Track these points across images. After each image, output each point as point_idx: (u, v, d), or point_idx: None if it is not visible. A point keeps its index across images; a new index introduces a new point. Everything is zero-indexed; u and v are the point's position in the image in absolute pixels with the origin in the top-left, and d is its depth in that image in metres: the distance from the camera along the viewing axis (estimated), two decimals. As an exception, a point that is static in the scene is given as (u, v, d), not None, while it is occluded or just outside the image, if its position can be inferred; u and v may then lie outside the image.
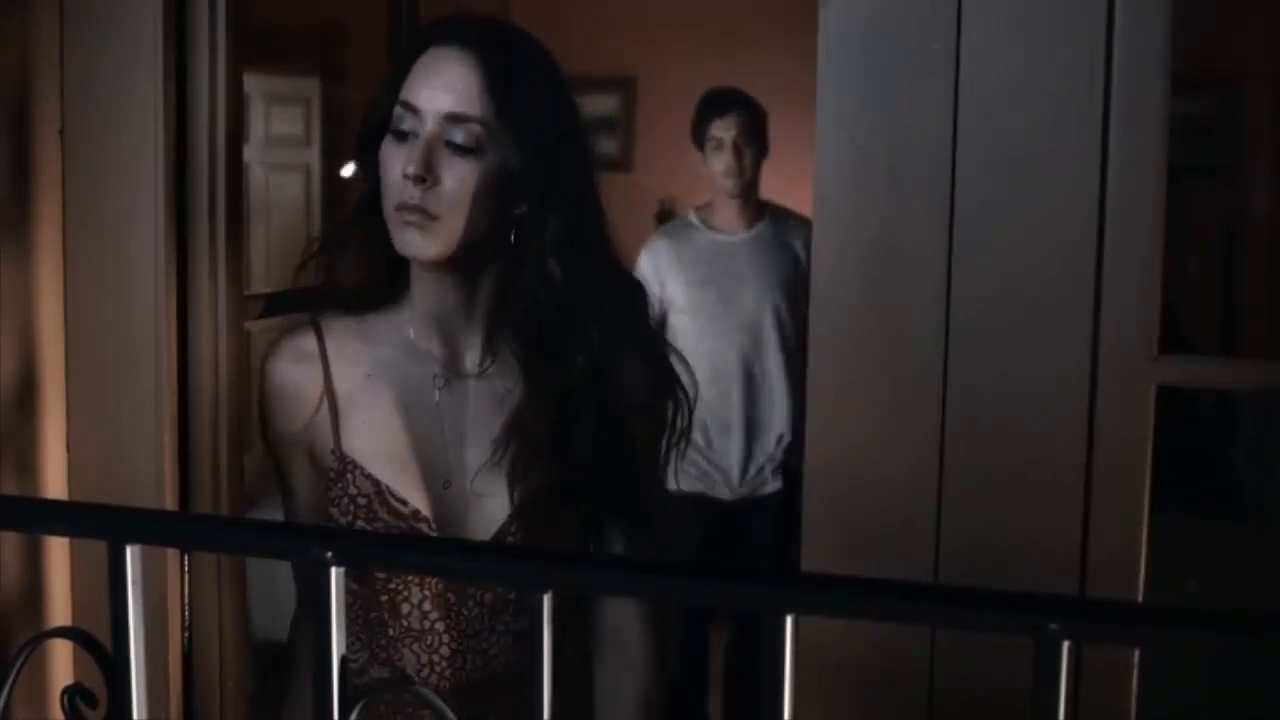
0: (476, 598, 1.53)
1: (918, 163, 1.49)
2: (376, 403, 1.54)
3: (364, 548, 1.03)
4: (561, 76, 1.53)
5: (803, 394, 3.50)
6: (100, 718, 0.96)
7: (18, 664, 0.97)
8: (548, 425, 1.50)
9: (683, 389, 1.59)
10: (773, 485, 3.53)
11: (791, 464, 3.48)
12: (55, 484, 1.83)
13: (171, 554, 1.75)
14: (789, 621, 0.82)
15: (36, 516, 1.16)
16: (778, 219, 3.58)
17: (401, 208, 1.45)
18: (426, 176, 1.43)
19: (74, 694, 0.99)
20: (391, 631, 1.53)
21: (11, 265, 1.75)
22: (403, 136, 1.46)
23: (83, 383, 1.84)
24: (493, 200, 1.47)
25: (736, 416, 3.51)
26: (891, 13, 1.49)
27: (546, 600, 0.86)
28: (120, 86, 1.80)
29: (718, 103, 3.56)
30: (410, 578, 1.52)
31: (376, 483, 1.51)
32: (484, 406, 1.55)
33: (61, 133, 1.82)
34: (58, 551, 1.83)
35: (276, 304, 2.19)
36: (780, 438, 3.52)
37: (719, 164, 3.50)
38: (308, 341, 1.56)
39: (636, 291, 1.60)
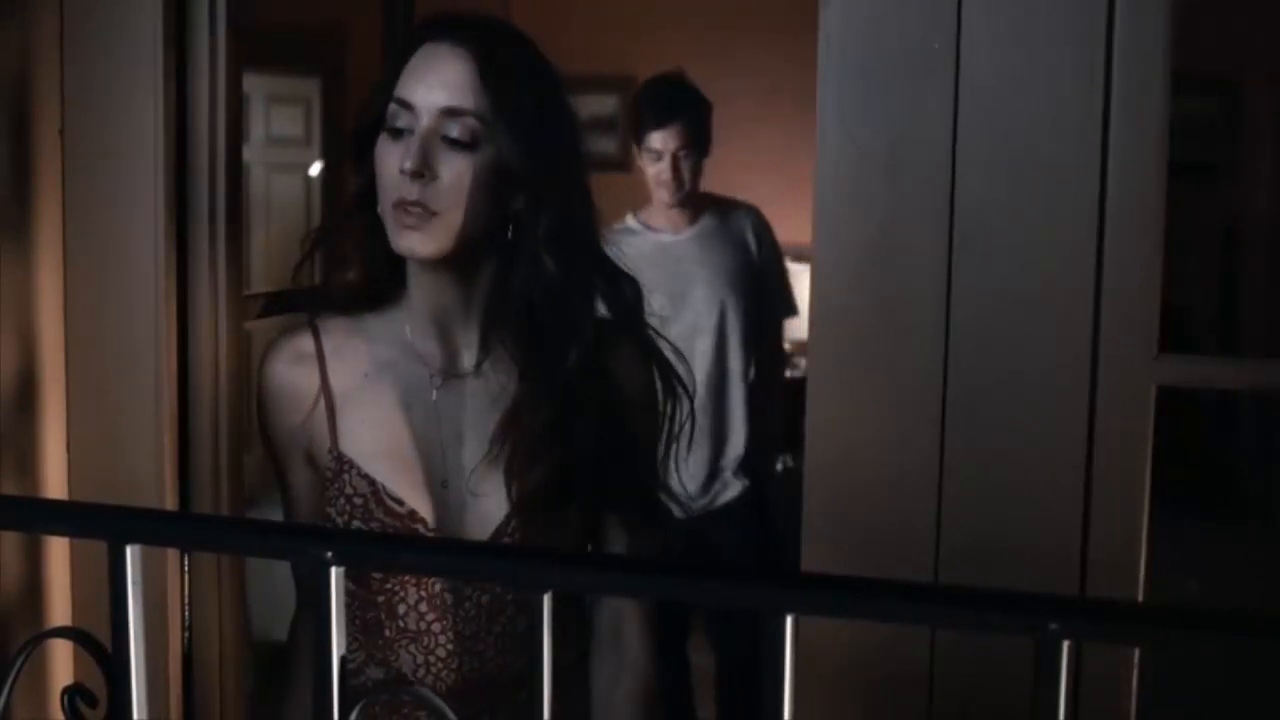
0: (473, 599, 1.53)
1: (918, 162, 1.49)
2: (374, 402, 1.54)
3: (363, 548, 1.03)
4: (553, 71, 1.54)
5: (763, 390, 3.28)
6: (100, 718, 0.96)
7: (18, 664, 0.97)
8: (544, 422, 1.50)
9: (680, 384, 1.59)
10: (734, 490, 3.30)
11: (750, 464, 3.31)
12: (55, 484, 1.83)
13: (171, 554, 1.76)
14: (789, 621, 0.82)
15: (36, 516, 1.16)
16: (722, 211, 3.38)
17: (399, 205, 1.45)
18: (424, 171, 1.44)
19: (74, 694, 0.99)
20: (388, 632, 1.53)
21: (11, 265, 1.75)
22: (398, 133, 1.46)
23: (83, 383, 1.84)
24: (489, 195, 1.47)
25: (699, 423, 3.29)
26: (891, 12, 1.49)
27: (546, 600, 0.86)
28: (120, 86, 1.80)
29: (658, 108, 3.30)
30: (407, 579, 1.52)
31: (373, 482, 1.51)
32: (481, 405, 1.55)
33: (61, 133, 1.82)
34: (58, 551, 1.83)
35: (276, 303, 2.18)
36: (744, 439, 3.30)
37: (657, 175, 3.29)
38: (305, 341, 1.57)
39: (631, 286, 1.60)
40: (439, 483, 1.53)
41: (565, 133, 1.54)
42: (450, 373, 1.55)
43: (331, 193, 4.46)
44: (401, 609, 1.52)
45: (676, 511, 3.12)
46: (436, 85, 1.45)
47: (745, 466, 3.30)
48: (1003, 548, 1.49)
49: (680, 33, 4.95)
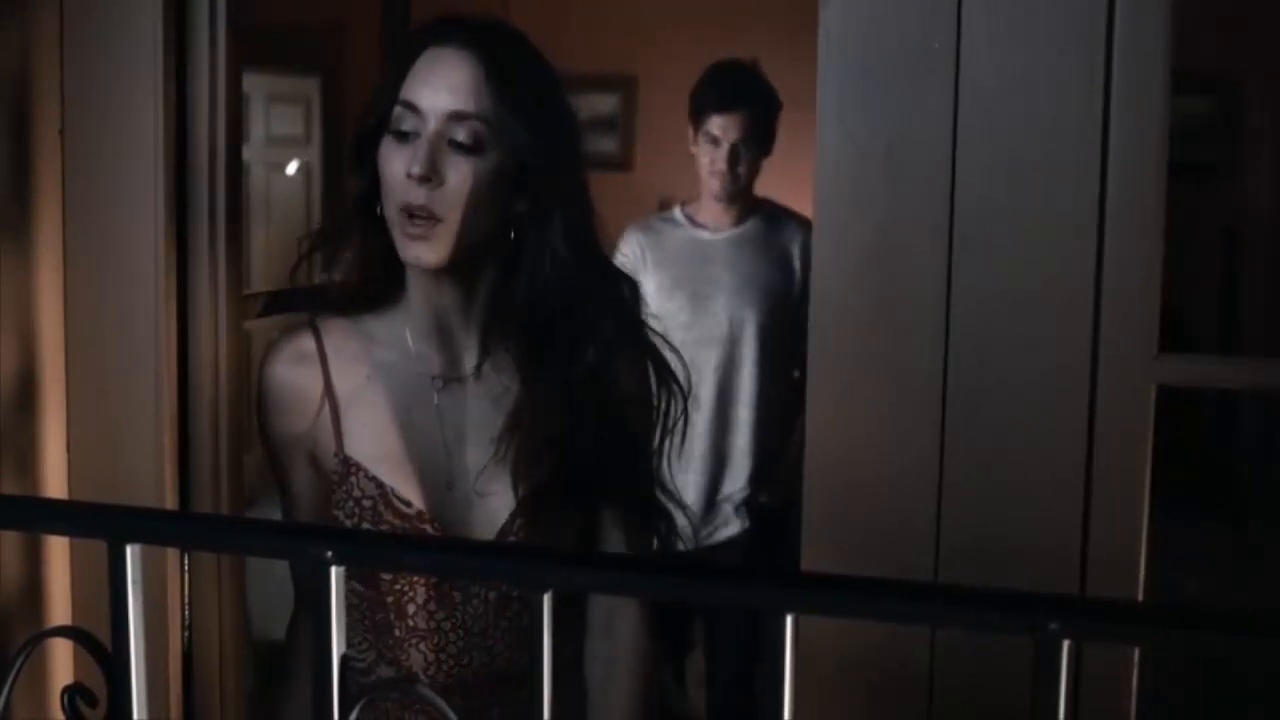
0: (481, 595, 1.53)
1: (918, 162, 1.49)
2: (376, 404, 1.55)
3: (363, 547, 1.03)
4: (555, 73, 1.54)
5: (773, 422, 3.07)
6: (100, 717, 0.96)
7: (18, 663, 0.97)
8: (548, 422, 1.51)
9: (676, 381, 1.60)
10: (734, 527, 3.06)
11: (757, 501, 3.07)
12: (55, 484, 1.83)
13: (171, 553, 1.75)
14: (789, 621, 0.82)
15: (36, 516, 1.16)
16: (771, 217, 3.11)
17: (405, 210, 1.45)
18: (431, 176, 1.44)
19: (74, 693, 0.99)
20: (398, 632, 1.53)
21: (11, 265, 1.75)
22: (403, 136, 1.46)
23: (83, 383, 1.84)
24: (493, 198, 1.47)
25: (700, 446, 3.01)
26: (891, 11, 1.49)
27: (546, 600, 0.86)
28: (120, 86, 1.80)
29: (722, 92, 3.05)
30: (414, 579, 1.52)
31: (380, 485, 1.52)
32: (483, 406, 1.55)
33: (61, 133, 1.82)
34: (58, 551, 1.83)
35: (275, 303, 2.18)
36: (748, 472, 3.06)
37: (710, 163, 3.05)
38: (306, 342, 1.57)
39: (629, 286, 1.61)
40: (444, 484, 1.53)
41: (567, 135, 1.54)
42: (451, 375, 1.56)
43: (331, 192, 4.46)
44: (411, 609, 1.53)
45: (679, 519, 3.00)
46: (443, 89, 1.46)
47: (747, 504, 3.07)
48: (1003, 548, 1.49)
49: (681, 32, 4.95)
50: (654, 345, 1.62)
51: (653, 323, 1.55)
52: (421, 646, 1.53)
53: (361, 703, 0.90)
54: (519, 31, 1.55)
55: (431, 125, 1.45)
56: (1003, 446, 1.49)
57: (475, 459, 1.54)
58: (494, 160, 1.46)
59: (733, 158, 3.03)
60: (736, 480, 3.07)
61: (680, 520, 1.66)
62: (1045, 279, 1.47)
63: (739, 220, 3.10)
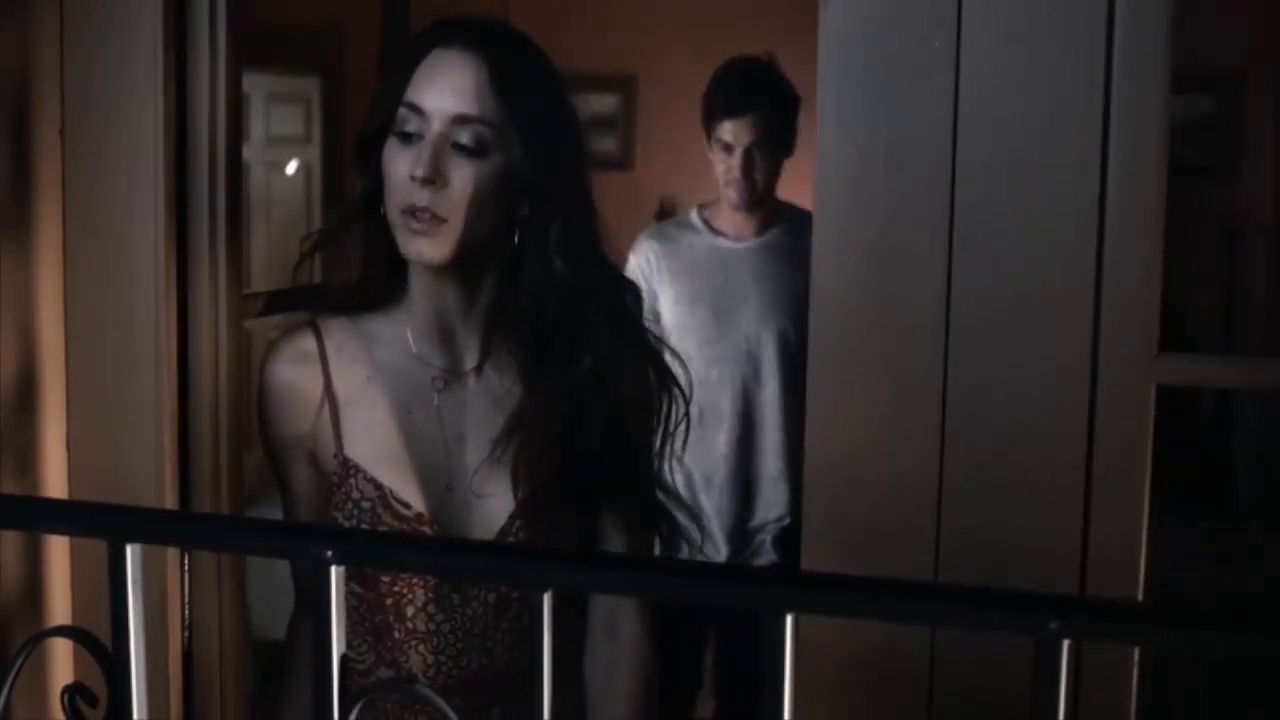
0: (480, 598, 1.53)
1: (918, 162, 1.49)
2: (377, 405, 1.55)
3: (364, 547, 1.03)
4: (558, 75, 1.54)
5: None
6: (100, 717, 0.96)
7: (18, 663, 0.97)
8: (549, 424, 1.51)
9: (677, 383, 1.60)
10: (768, 558, 2.84)
11: (793, 528, 2.72)
12: (55, 483, 1.83)
13: (171, 553, 1.75)
14: (789, 621, 0.82)
15: (36, 515, 1.16)
16: (796, 223, 2.83)
17: (409, 211, 1.45)
18: (435, 178, 1.44)
19: (74, 693, 0.99)
20: (397, 634, 1.53)
21: (11, 265, 1.75)
22: (407, 138, 1.47)
23: (83, 383, 1.84)
24: (497, 201, 1.47)
25: (724, 469, 2.83)
26: (891, 11, 1.49)
27: (546, 599, 0.86)
28: (120, 86, 1.80)
29: (734, 94, 2.83)
30: (414, 580, 1.52)
31: (379, 486, 1.52)
32: (483, 407, 1.55)
33: (61, 132, 1.81)
34: (58, 551, 1.83)
35: (276, 302, 2.18)
36: (785, 499, 2.83)
37: (725, 170, 2.85)
38: (307, 342, 1.57)
39: (631, 289, 1.62)
40: (444, 485, 1.53)
41: (571, 137, 1.55)
42: (452, 375, 1.56)
43: (331, 192, 4.46)
44: (410, 611, 1.53)
45: (683, 521, 2.81)
46: (448, 91, 1.46)
47: (786, 534, 2.80)
48: (1003, 548, 1.49)
49: (680, 32, 4.95)
50: (655, 347, 1.62)
51: (673, 337, 1.55)
52: (421, 648, 1.53)
53: (361, 703, 0.91)
54: (523, 33, 1.55)
55: (435, 127, 1.45)
56: (1003, 446, 1.49)
57: (475, 460, 1.54)
58: (497, 162, 1.46)
59: (748, 164, 2.82)
60: (771, 508, 2.86)
61: (684, 522, 1.66)
62: (1045, 279, 1.47)
63: (762, 228, 2.88)
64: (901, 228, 1.50)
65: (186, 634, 1.83)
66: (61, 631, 1.04)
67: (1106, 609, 0.90)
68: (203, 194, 1.85)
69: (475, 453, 1.54)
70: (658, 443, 1.60)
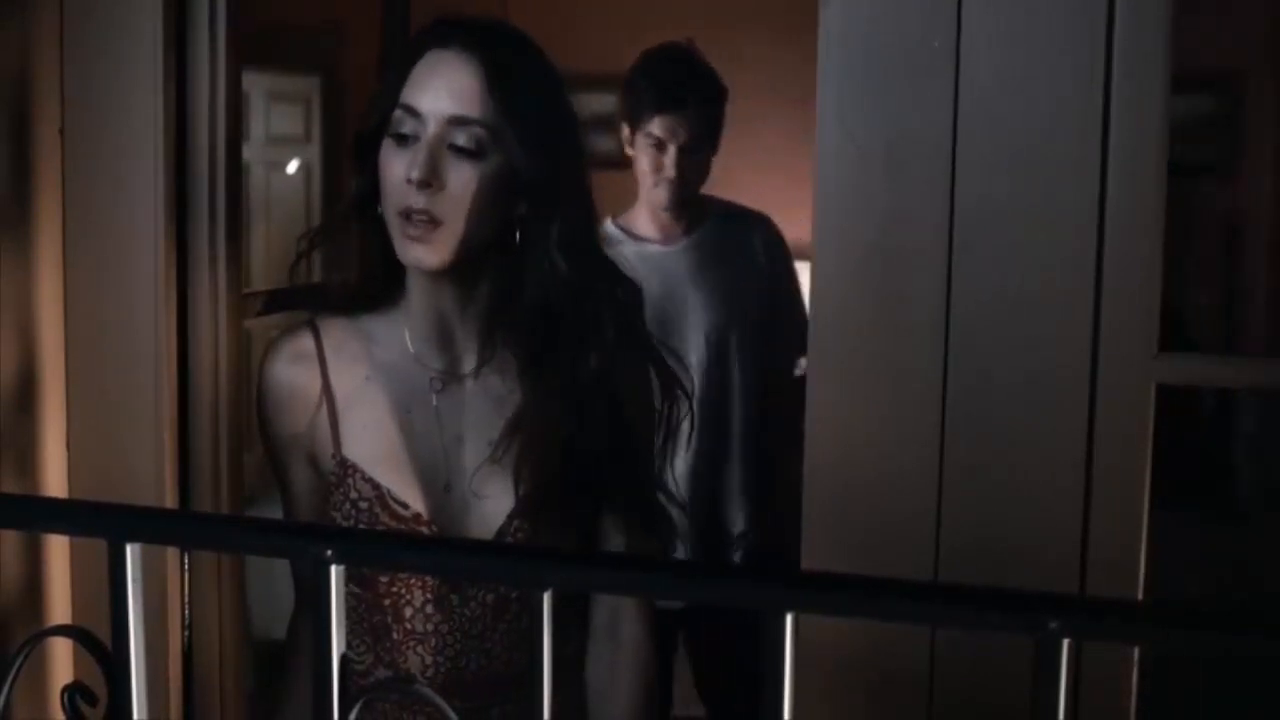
0: (478, 598, 1.53)
1: (918, 161, 1.49)
2: (375, 405, 1.54)
3: (364, 546, 1.03)
4: (557, 74, 1.54)
5: (775, 453, 2.61)
6: (100, 716, 0.96)
7: (18, 662, 0.97)
8: (549, 425, 1.50)
9: (679, 385, 1.60)
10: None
11: (756, 543, 2.67)
12: (55, 483, 1.83)
13: (171, 553, 1.75)
14: (789, 621, 0.82)
15: (37, 515, 1.16)
16: (725, 220, 2.70)
17: (406, 213, 1.45)
18: (432, 181, 1.43)
19: (74, 692, 0.99)
20: (395, 635, 1.53)
21: (11, 265, 1.75)
22: (404, 140, 1.46)
23: (83, 382, 1.84)
24: (494, 202, 1.47)
25: (679, 494, 2.63)
26: (891, 11, 1.49)
27: (546, 598, 0.86)
28: (120, 86, 1.80)
29: (663, 86, 2.63)
30: (412, 581, 1.52)
31: (377, 486, 1.51)
32: (482, 408, 1.55)
33: (61, 132, 1.81)
34: (58, 550, 1.83)
35: (275, 302, 2.18)
36: (741, 512, 2.67)
37: (654, 170, 2.61)
38: (305, 342, 1.57)
39: (632, 288, 1.61)
40: (442, 486, 1.53)
41: (569, 136, 1.54)
42: (450, 376, 1.56)
43: (331, 192, 4.46)
44: (408, 611, 1.53)
45: (681, 523, 2.66)
46: (444, 93, 1.45)
47: (750, 549, 2.67)
48: (1003, 548, 1.49)
49: (679, 32, 4.94)
50: (655, 349, 1.61)
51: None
52: (419, 649, 1.53)
53: (360, 703, 0.91)
54: (521, 33, 1.55)
55: (431, 129, 1.45)
56: (1003, 446, 1.49)
57: (473, 461, 1.54)
58: (495, 164, 1.46)
59: (680, 161, 2.61)
60: (726, 525, 2.68)
61: (682, 524, 1.65)
62: (1045, 279, 1.47)
63: (690, 229, 2.67)
64: (901, 228, 1.50)
65: (186, 634, 1.83)
66: (61, 631, 1.04)
67: (1106, 609, 0.90)
68: (203, 194, 1.85)
69: (474, 453, 1.54)
70: (658, 443, 1.60)
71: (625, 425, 1.56)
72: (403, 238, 1.46)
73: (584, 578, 0.97)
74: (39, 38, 1.79)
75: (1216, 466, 3.33)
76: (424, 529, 1.51)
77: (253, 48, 2.05)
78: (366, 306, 1.58)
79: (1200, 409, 3.21)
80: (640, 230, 2.66)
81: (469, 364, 1.56)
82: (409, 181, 1.43)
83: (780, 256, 2.77)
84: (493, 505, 1.52)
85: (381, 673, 1.55)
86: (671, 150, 2.61)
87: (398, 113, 1.47)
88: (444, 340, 1.55)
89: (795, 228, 2.81)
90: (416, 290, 1.54)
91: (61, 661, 1.75)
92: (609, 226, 2.65)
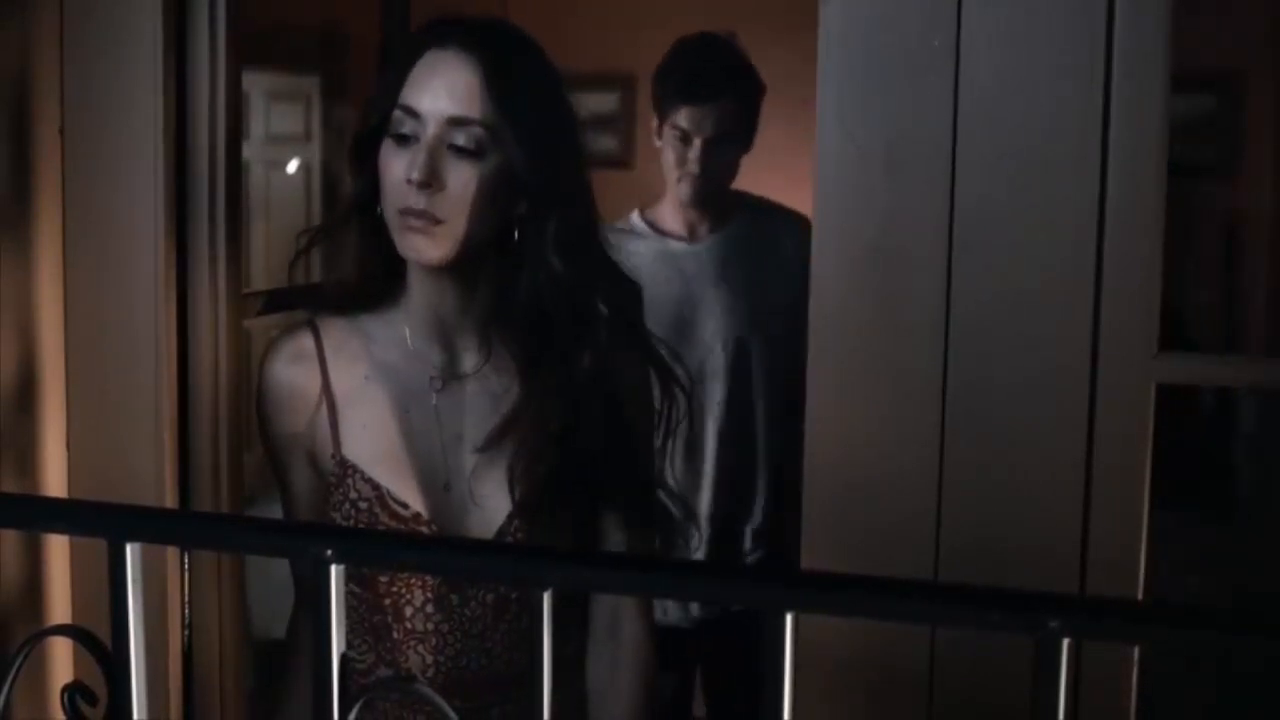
0: (479, 598, 1.53)
1: (918, 161, 1.49)
2: (375, 405, 1.54)
3: (364, 546, 1.03)
4: (557, 73, 1.53)
5: (789, 460, 2.43)
6: (100, 716, 0.96)
7: (18, 662, 0.97)
8: (548, 423, 1.50)
9: (678, 384, 1.60)
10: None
11: (776, 546, 2.59)
12: (55, 483, 1.83)
13: (171, 552, 1.75)
14: (789, 620, 0.82)
15: (36, 515, 1.16)
16: (756, 217, 2.59)
17: (405, 213, 1.45)
18: (431, 182, 1.43)
19: (74, 692, 0.99)
20: (396, 634, 1.53)
21: (11, 265, 1.75)
22: (403, 140, 1.46)
23: (83, 382, 1.84)
24: (494, 202, 1.47)
25: (703, 501, 2.52)
26: (891, 11, 1.49)
27: (546, 598, 0.86)
28: (120, 86, 1.80)
29: (694, 77, 2.51)
30: (412, 581, 1.52)
31: (377, 486, 1.51)
32: (482, 407, 1.55)
33: (61, 132, 1.81)
34: (58, 550, 1.83)
35: (274, 301, 2.17)
36: (755, 527, 2.58)
37: (680, 163, 2.51)
38: (305, 341, 1.57)
39: (632, 288, 1.61)
40: (441, 485, 1.53)
41: (568, 136, 1.54)
42: (450, 375, 1.56)
43: (331, 191, 4.46)
44: (408, 611, 1.53)
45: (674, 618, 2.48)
46: (443, 93, 1.45)
47: (771, 559, 2.59)
48: (1003, 548, 1.49)
49: (680, 31, 4.94)
50: (655, 348, 1.61)
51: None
52: (420, 649, 1.53)
53: (360, 702, 0.91)
54: (521, 32, 1.55)
55: (431, 130, 1.45)
56: (1003, 446, 1.49)
57: (473, 461, 1.54)
58: (494, 163, 1.46)
59: (706, 156, 2.49)
60: (739, 540, 2.60)
61: (690, 528, 1.65)
62: (1045, 279, 1.47)
63: (717, 225, 2.56)
64: (901, 228, 1.50)
65: (186, 634, 1.83)
66: (61, 631, 1.04)
67: (1106, 608, 0.90)
68: (203, 193, 1.85)
69: (473, 453, 1.54)
70: (658, 442, 1.60)
71: (625, 424, 1.56)
72: (403, 231, 1.46)
73: (584, 577, 0.97)
74: (39, 38, 1.79)
75: (1216, 466, 3.33)
76: (424, 529, 1.51)
77: (253, 48, 2.05)
78: (366, 306, 1.58)
79: (1200, 409, 3.21)
80: (665, 225, 2.57)
81: (468, 363, 1.56)
82: (409, 182, 1.43)
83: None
84: (493, 505, 1.52)
85: (383, 672, 1.55)
86: (697, 144, 2.50)
87: (397, 113, 1.47)
88: (444, 339, 1.55)
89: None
90: (416, 289, 1.54)
91: (61, 661, 1.76)
92: (634, 219, 2.59)
